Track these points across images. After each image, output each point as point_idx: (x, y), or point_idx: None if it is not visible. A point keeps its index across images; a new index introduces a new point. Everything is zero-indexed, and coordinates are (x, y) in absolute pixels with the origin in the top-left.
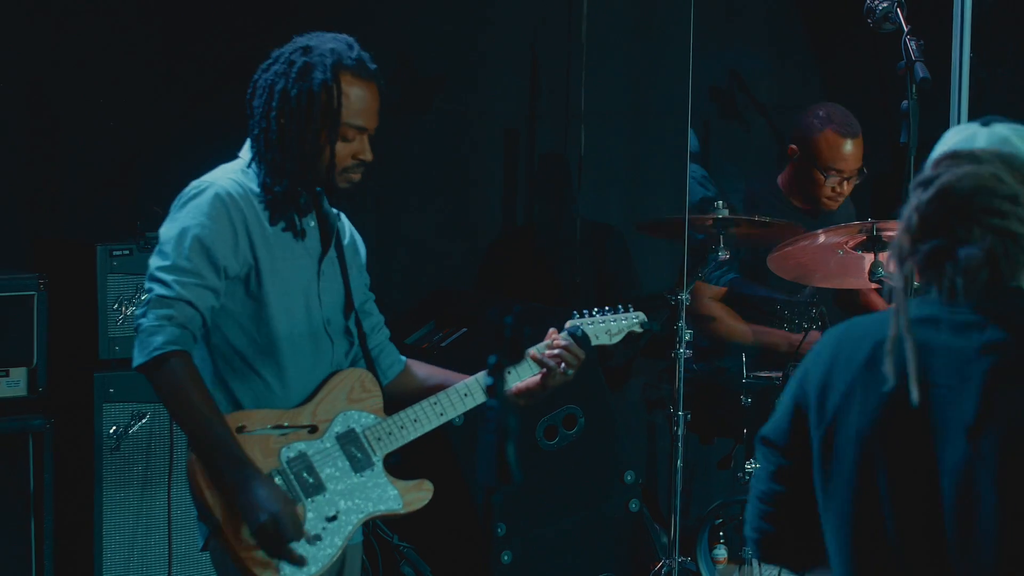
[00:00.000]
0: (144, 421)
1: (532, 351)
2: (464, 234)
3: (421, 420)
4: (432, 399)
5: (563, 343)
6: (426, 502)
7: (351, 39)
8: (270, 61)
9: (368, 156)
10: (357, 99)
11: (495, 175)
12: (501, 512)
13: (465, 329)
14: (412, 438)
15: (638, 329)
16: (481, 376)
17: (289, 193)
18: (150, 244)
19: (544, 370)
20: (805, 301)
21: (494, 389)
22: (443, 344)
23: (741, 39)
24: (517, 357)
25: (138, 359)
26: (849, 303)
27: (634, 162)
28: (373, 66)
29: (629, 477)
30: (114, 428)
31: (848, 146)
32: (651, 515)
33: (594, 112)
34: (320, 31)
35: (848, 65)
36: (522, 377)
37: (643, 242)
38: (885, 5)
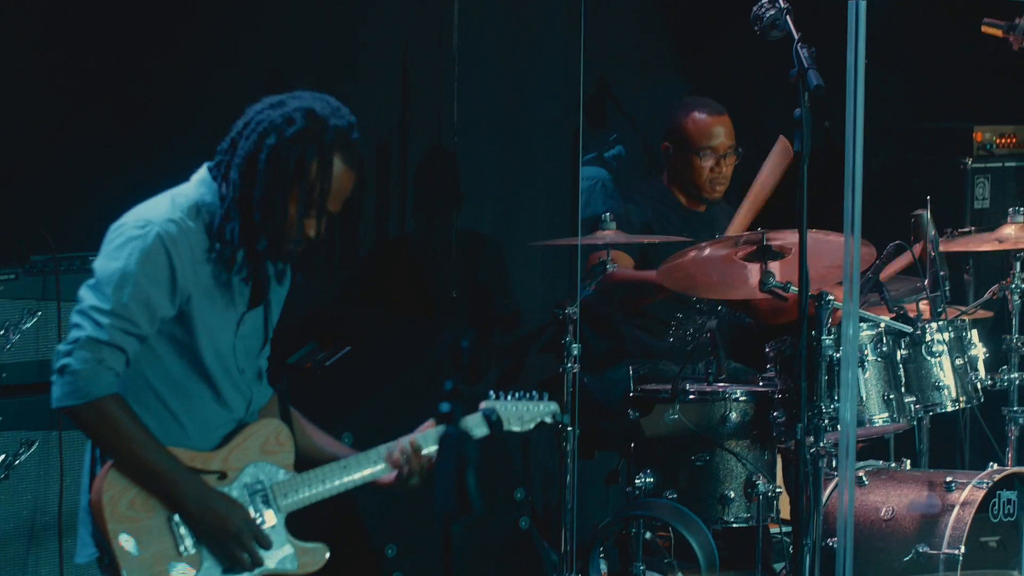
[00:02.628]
0: (33, 449)
1: (394, 452)
2: (341, 249)
3: (329, 479)
4: (342, 463)
5: (408, 452)
6: (319, 567)
7: (351, 115)
8: (261, 117)
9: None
10: (339, 184)
11: (368, 189)
12: (391, 533)
13: (349, 348)
14: (318, 497)
15: (548, 420)
16: (391, 444)
17: (263, 253)
18: (35, 268)
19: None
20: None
21: (451, 416)
22: (327, 363)
23: (611, 48)
24: (476, 380)
25: (67, 400)
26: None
27: (509, 173)
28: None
29: (519, 494)
30: (2, 457)
31: (715, 125)
32: (541, 533)
33: (467, 124)
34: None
35: (713, 70)
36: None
37: (518, 254)
38: (772, 12)
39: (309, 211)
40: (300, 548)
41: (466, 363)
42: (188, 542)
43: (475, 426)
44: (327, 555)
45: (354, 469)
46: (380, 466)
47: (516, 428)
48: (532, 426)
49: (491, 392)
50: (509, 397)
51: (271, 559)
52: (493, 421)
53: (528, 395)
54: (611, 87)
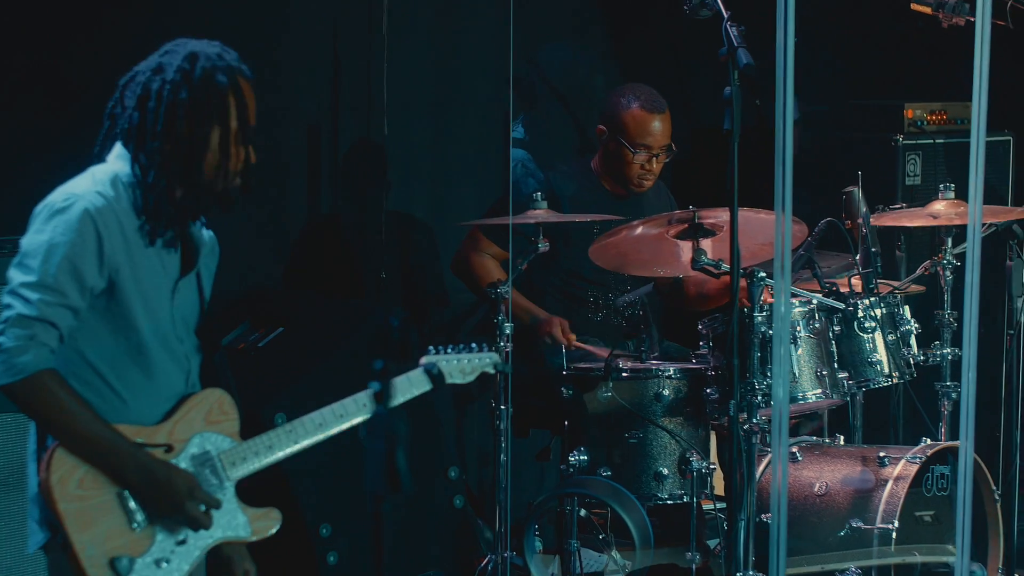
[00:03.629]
0: None
1: None
2: (272, 231)
3: (275, 447)
4: (287, 426)
5: None
6: (275, 530)
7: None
8: (152, 68)
9: (254, 158)
10: (251, 102)
11: (299, 170)
12: (326, 513)
13: (282, 328)
14: (266, 464)
15: (491, 370)
16: (337, 406)
17: (185, 206)
18: None
19: None
20: (629, 301)
21: (382, 395)
22: (260, 344)
23: (543, 28)
24: (405, 358)
25: (1, 379)
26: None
27: (439, 154)
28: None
29: (453, 473)
30: None
31: (655, 121)
32: (476, 511)
33: (397, 106)
34: (184, 37)
35: (643, 48)
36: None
37: (450, 235)
38: None
39: (239, 140)
40: (253, 514)
41: (395, 342)
42: (140, 516)
43: (417, 382)
44: (280, 518)
45: (301, 435)
46: (330, 431)
47: (459, 380)
48: (474, 377)
49: (430, 347)
50: (449, 350)
51: (223, 527)
52: (435, 375)
53: (468, 347)
54: (542, 66)
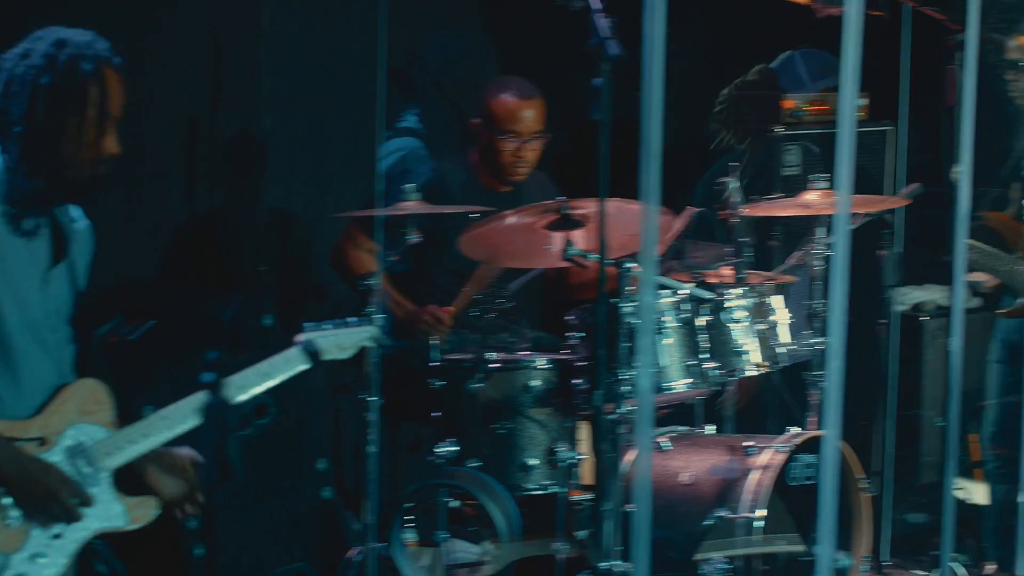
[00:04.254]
0: None
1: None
2: (148, 224)
3: (151, 434)
4: (162, 412)
5: None
6: (152, 518)
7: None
8: (19, 53)
9: (117, 149)
10: (117, 92)
11: (178, 163)
12: None
13: (154, 321)
14: (142, 452)
15: (370, 344)
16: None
17: (45, 192)
18: None
19: None
20: (519, 287)
21: (214, 386)
22: (132, 337)
23: (422, 19)
24: (238, 350)
25: None
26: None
27: (319, 147)
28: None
29: (321, 465)
30: None
31: (523, 109)
32: (345, 503)
33: (277, 98)
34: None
35: (524, 41)
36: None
37: (329, 228)
38: None
39: (98, 130)
40: (130, 503)
41: (226, 334)
42: (13, 513)
43: (295, 360)
44: (157, 506)
45: (176, 422)
46: None
47: (337, 356)
48: (352, 352)
49: (306, 324)
50: (326, 326)
51: (100, 518)
52: (312, 352)
53: (344, 321)
54: (421, 58)
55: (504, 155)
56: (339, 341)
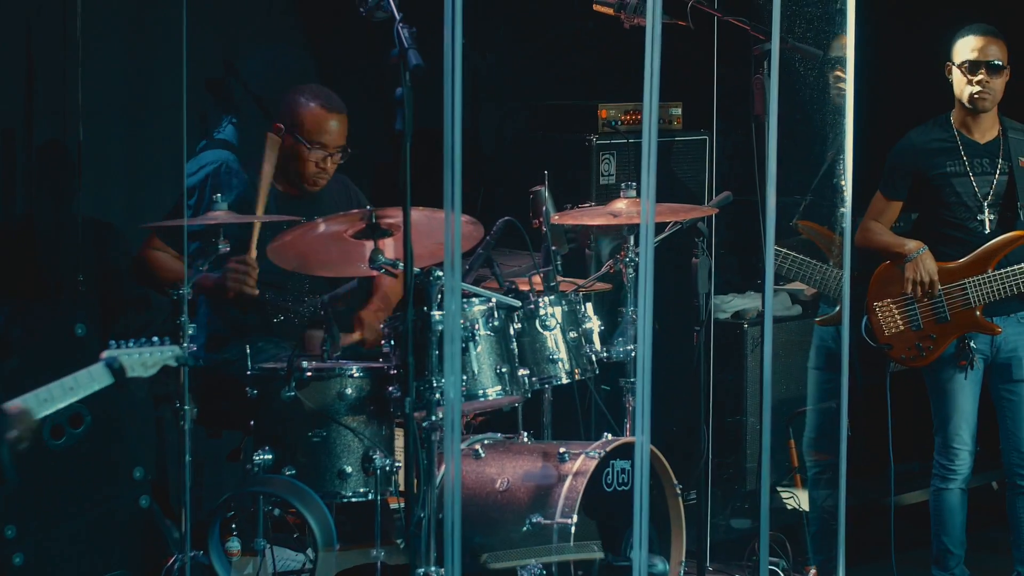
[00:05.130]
0: None
1: None
2: None
3: None
4: None
5: None
6: None
7: None
8: None
9: None
10: None
11: None
12: (10, 514)
13: None
14: None
15: (173, 363)
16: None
17: None
18: None
19: None
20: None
21: None
22: None
23: (237, 28)
24: (3, 356)
25: None
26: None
27: (135, 157)
28: None
29: (138, 473)
30: None
31: (332, 121)
32: (163, 511)
33: (93, 107)
34: None
35: (343, 53)
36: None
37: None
38: None
39: None
40: None
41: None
42: None
43: (99, 376)
44: None
45: None
46: None
47: (141, 373)
48: (156, 370)
49: (112, 341)
50: (131, 344)
51: None
52: (116, 369)
53: (149, 340)
54: (239, 69)
55: (308, 165)
56: (143, 359)
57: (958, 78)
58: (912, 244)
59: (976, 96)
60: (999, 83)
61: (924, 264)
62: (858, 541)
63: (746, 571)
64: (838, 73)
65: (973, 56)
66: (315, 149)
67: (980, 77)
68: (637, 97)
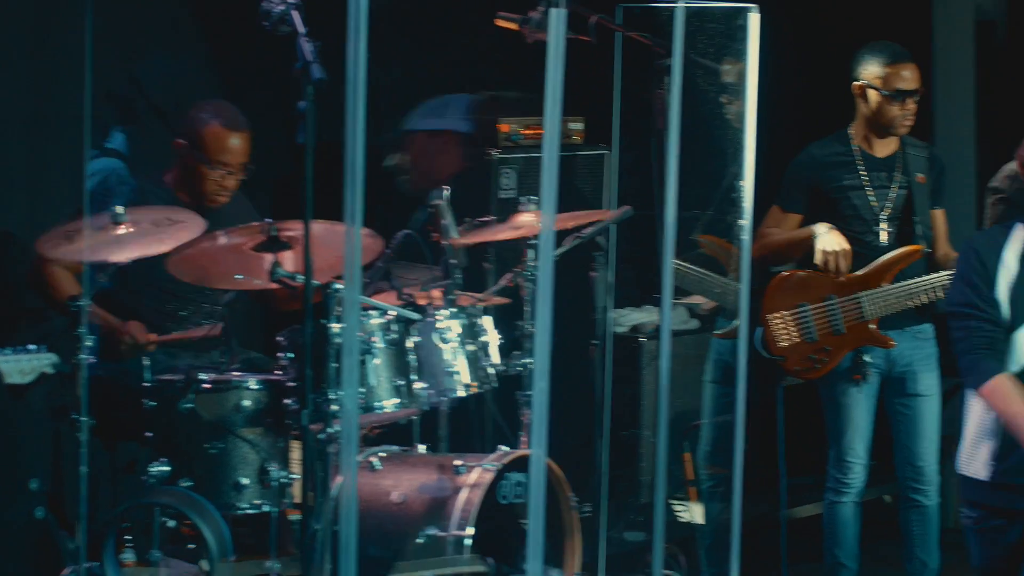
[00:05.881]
0: None
1: None
2: None
3: None
4: None
5: None
6: None
7: None
8: None
9: None
10: None
11: None
12: None
13: None
14: None
15: (50, 370)
16: None
17: None
18: None
19: None
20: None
21: None
22: None
23: (141, 42)
24: None
25: None
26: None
27: (37, 167)
28: None
29: (34, 484)
30: None
31: (234, 139)
32: (59, 522)
33: None
34: None
35: (246, 67)
36: None
37: None
38: (281, 8)
39: None
40: None
41: None
42: None
43: None
44: None
45: None
46: None
47: (19, 380)
48: (34, 377)
49: None
50: (7, 351)
51: None
52: None
53: (25, 348)
54: (141, 82)
55: (209, 183)
56: (20, 366)
57: (877, 101)
58: (818, 224)
59: (904, 124)
60: (916, 107)
61: (834, 236)
62: (752, 554)
63: None
64: (723, 99)
65: (903, 85)
66: (216, 167)
67: (909, 105)
68: (538, 112)
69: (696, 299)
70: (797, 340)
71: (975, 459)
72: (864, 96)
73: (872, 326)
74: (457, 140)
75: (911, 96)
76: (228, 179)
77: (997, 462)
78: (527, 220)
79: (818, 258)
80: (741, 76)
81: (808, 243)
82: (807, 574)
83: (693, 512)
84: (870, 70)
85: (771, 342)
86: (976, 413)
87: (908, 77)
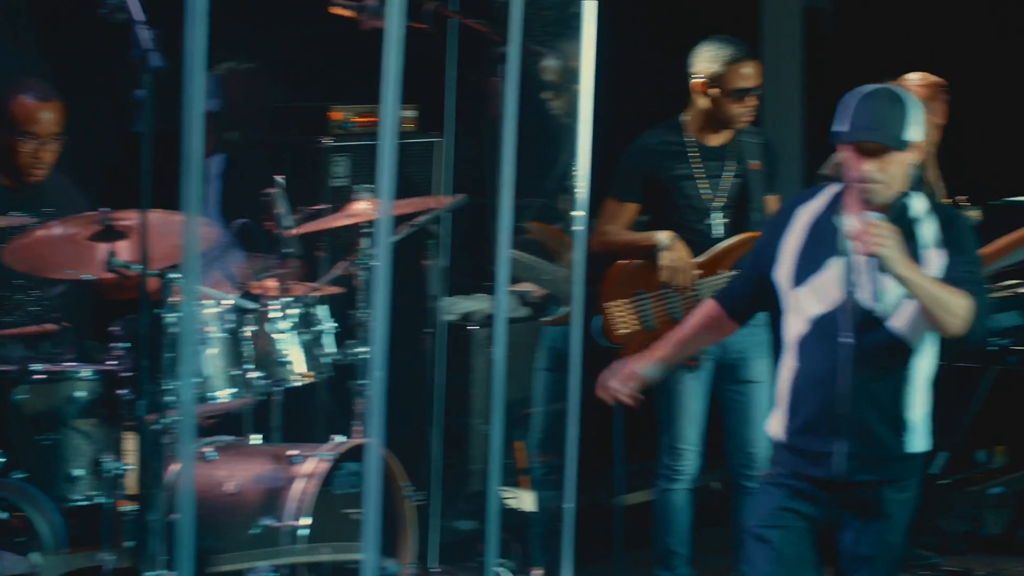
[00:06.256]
0: None
1: None
2: None
3: None
4: None
5: None
6: None
7: None
8: None
9: None
10: None
11: None
12: None
13: None
14: None
15: None
16: None
17: None
18: None
19: None
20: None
21: None
22: None
23: None
24: None
25: None
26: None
27: None
28: None
29: None
30: None
31: (42, 111)
32: None
33: None
34: None
35: (82, 54)
36: None
37: None
38: None
39: None
40: None
41: None
42: None
43: None
44: None
45: None
46: None
47: None
48: None
49: None
50: None
51: None
52: None
53: None
54: None
55: (21, 155)
56: None
57: (717, 98)
58: (662, 235)
59: (744, 119)
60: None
61: (680, 251)
62: (584, 541)
63: (472, 572)
64: (545, 96)
65: (744, 84)
66: (27, 139)
67: (750, 102)
68: (370, 100)
69: (526, 286)
70: (635, 328)
71: (774, 419)
72: (704, 92)
73: None
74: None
75: (751, 93)
76: (42, 152)
77: (788, 423)
78: (362, 208)
79: (663, 275)
80: (563, 74)
81: (649, 250)
82: (639, 560)
83: (525, 500)
84: (710, 68)
85: (609, 330)
86: (781, 374)
87: (749, 75)
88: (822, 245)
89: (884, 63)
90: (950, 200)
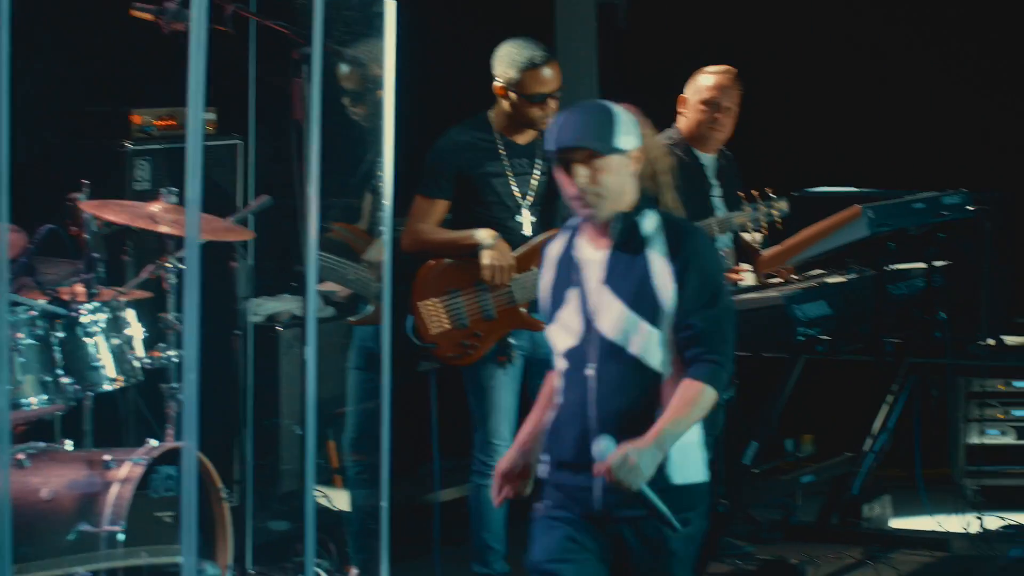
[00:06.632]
0: None
1: None
2: None
3: None
4: None
5: None
6: None
7: None
8: None
9: None
10: None
11: None
12: None
13: None
14: None
15: None
16: None
17: None
18: None
19: None
20: None
21: None
22: None
23: None
24: None
25: None
26: None
27: None
28: None
29: None
30: None
31: None
32: None
33: None
34: None
35: None
36: None
37: None
38: None
39: None
40: None
41: None
42: None
43: None
44: None
45: None
46: None
47: None
48: None
49: None
50: None
51: None
52: None
53: None
54: None
55: None
56: None
57: (517, 102)
58: (483, 233)
59: (545, 121)
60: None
61: (503, 250)
62: (401, 538)
63: (288, 573)
64: (344, 102)
65: (542, 89)
66: None
67: (551, 105)
68: (171, 102)
69: (330, 286)
70: (448, 327)
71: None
72: (505, 96)
73: (523, 310)
74: None
75: (551, 97)
76: None
77: (550, 459)
78: (161, 210)
79: (486, 274)
80: (359, 81)
81: (471, 249)
82: (456, 557)
83: (339, 499)
84: (508, 73)
85: (422, 329)
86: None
87: (547, 79)
88: (562, 278)
89: (679, 57)
90: (756, 192)
